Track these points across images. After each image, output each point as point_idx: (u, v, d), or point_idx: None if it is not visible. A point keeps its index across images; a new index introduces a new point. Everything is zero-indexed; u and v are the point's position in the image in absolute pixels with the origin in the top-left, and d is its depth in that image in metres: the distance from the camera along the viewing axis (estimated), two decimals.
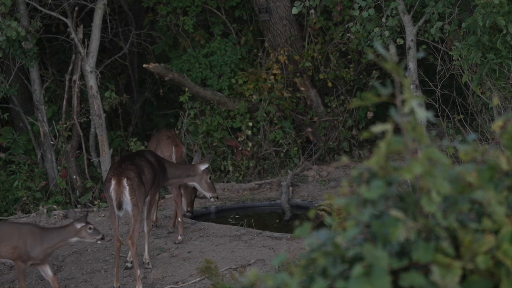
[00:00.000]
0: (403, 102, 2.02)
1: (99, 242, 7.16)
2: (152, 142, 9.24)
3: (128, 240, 7.52)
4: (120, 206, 7.41)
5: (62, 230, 7.11)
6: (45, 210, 9.75)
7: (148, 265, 7.97)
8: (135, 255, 7.46)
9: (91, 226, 7.05)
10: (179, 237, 8.51)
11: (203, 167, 8.32)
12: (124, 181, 7.46)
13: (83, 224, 7.03)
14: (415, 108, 2.00)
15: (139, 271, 7.41)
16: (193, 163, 8.54)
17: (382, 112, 11.67)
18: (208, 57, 12.18)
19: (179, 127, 11.64)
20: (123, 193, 7.44)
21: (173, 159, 8.77)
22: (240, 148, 11.47)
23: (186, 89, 11.31)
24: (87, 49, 10.49)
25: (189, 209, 8.84)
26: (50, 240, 7.03)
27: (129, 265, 8.01)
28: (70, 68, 10.98)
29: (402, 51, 9.25)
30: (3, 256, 7.09)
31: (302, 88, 11.77)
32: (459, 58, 8.29)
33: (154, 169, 7.92)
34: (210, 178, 8.36)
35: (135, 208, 7.47)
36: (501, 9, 7.77)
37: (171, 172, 8.24)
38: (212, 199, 8.40)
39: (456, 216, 1.98)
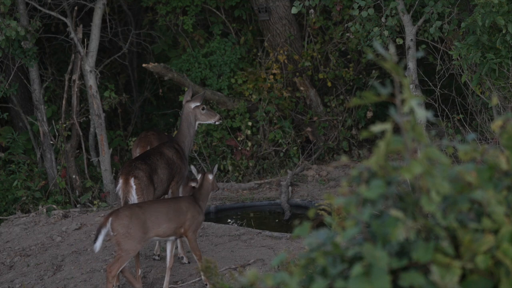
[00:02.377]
0: (403, 101, 2.02)
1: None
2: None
3: None
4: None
5: (205, 193, 7.40)
6: (44, 210, 9.75)
7: (183, 259, 7.99)
8: (137, 254, 7.44)
9: None
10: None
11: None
12: (131, 180, 7.45)
13: (212, 175, 7.47)
14: (414, 107, 2.00)
15: (140, 271, 7.40)
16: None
17: (381, 111, 11.67)
18: (208, 56, 12.18)
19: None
20: (130, 192, 7.43)
21: None
22: (239, 148, 11.47)
23: (186, 89, 11.30)
24: (86, 49, 10.49)
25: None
26: (203, 206, 7.34)
27: (156, 258, 8.09)
28: (70, 67, 10.97)
29: (401, 50, 9.25)
30: (168, 235, 7.07)
31: (302, 88, 11.76)
32: (459, 58, 8.29)
33: (171, 165, 7.92)
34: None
35: None
36: (501, 9, 7.77)
37: None
38: None
39: (455, 216, 1.98)
